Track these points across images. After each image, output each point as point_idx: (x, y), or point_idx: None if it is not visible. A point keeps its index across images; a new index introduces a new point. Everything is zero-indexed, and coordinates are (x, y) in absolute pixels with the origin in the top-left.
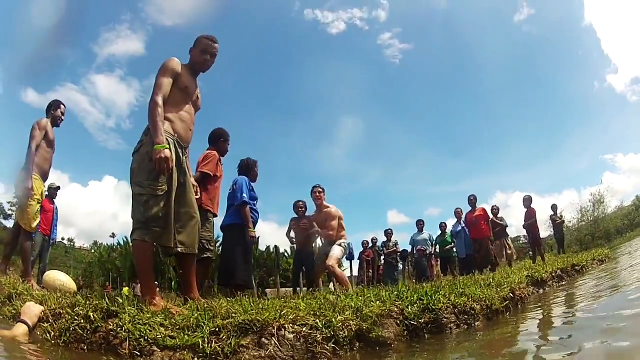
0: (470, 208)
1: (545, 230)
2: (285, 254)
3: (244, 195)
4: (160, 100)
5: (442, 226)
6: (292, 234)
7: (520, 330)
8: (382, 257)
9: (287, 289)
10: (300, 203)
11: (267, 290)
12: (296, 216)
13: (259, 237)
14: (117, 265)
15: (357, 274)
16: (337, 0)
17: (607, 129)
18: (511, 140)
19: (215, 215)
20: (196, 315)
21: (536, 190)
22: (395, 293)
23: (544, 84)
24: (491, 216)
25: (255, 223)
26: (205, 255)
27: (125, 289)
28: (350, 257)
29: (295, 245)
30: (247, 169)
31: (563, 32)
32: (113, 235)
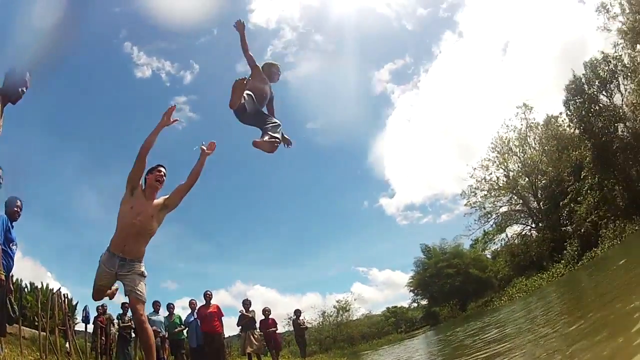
0: (205, 302)
1: (283, 327)
2: (26, 288)
3: None
4: None
5: (170, 307)
6: None
7: None
8: (117, 329)
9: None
10: None
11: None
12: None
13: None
14: None
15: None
16: (159, 47)
17: (366, 244)
18: (264, 234)
19: None
20: None
21: (279, 288)
22: None
23: (313, 190)
24: (242, 309)
25: (7, 268)
26: None
27: None
28: (85, 321)
29: None
30: (5, 207)
31: (351, 149)
32: None
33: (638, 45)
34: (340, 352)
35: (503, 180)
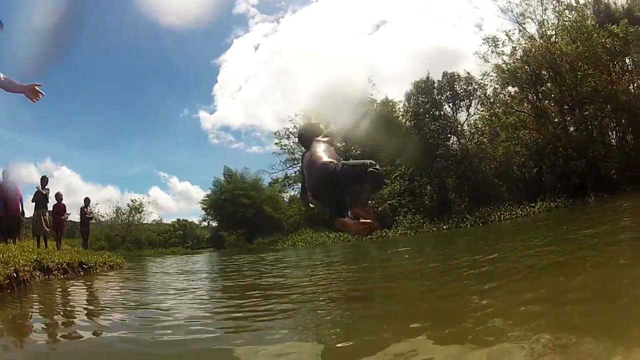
0: (2, 179)
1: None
2: None
3: None
4: None
5: None
6: None
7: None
8: None
9: None
10: None
11: None
12: None
13: None
14: None
15: None
16: None
17: (173, 151)
18: (83, 114)
19: None
20: None
21: (83, 174)
22: None
23: (141, 82)
24: (39, 185)
25: None
26: None
27: None
28: None
29: None
30: None
31: (189, 53)
32: None
33: (509, 87)
34: (126, 253)
35: None
